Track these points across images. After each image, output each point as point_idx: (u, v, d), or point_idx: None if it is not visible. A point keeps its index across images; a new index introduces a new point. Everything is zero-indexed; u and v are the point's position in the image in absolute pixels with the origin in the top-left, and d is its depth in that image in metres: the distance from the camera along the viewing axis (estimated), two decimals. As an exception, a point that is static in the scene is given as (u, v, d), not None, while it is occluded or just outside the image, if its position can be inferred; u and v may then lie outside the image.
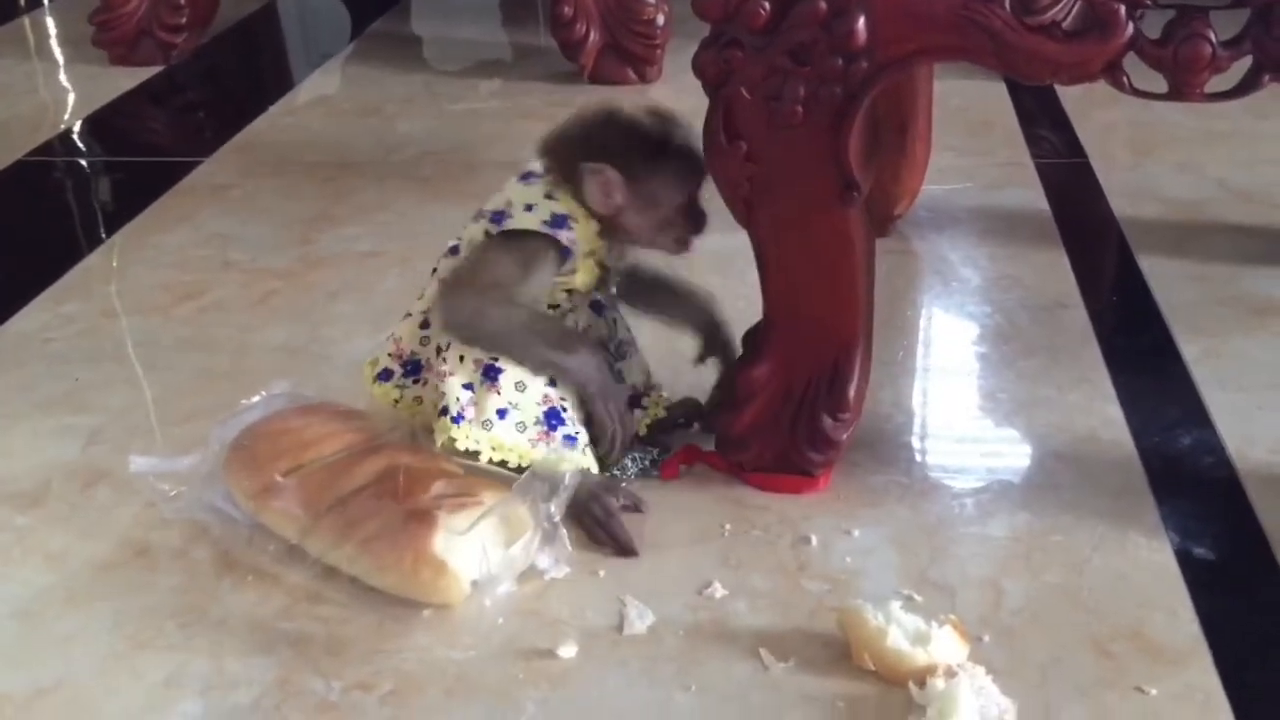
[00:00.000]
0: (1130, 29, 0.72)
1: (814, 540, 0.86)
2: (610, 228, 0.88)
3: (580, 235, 0.87)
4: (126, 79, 1.89)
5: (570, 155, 0.87)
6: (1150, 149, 1.51)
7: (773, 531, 0.87)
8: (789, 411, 0.89)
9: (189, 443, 0.93)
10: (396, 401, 0.92)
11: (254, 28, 2.21)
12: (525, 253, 0.86)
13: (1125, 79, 0.73)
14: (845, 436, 0.89)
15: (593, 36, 1.77)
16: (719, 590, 0.81)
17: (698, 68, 0.80)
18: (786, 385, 0.88)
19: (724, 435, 0.91)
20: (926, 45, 0.76)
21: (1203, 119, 1.56)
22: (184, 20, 1.93)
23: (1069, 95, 1.65)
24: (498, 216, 0.87)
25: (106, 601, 0.82)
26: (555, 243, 0.86)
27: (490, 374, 0.86)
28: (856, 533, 0.86)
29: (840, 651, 0.76)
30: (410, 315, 0.93)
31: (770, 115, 0.79)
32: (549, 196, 0.87)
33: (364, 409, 0.94)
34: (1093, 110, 1.61)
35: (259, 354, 1.12)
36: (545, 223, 0.86)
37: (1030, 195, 1.40)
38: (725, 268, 1.03)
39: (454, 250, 0.91)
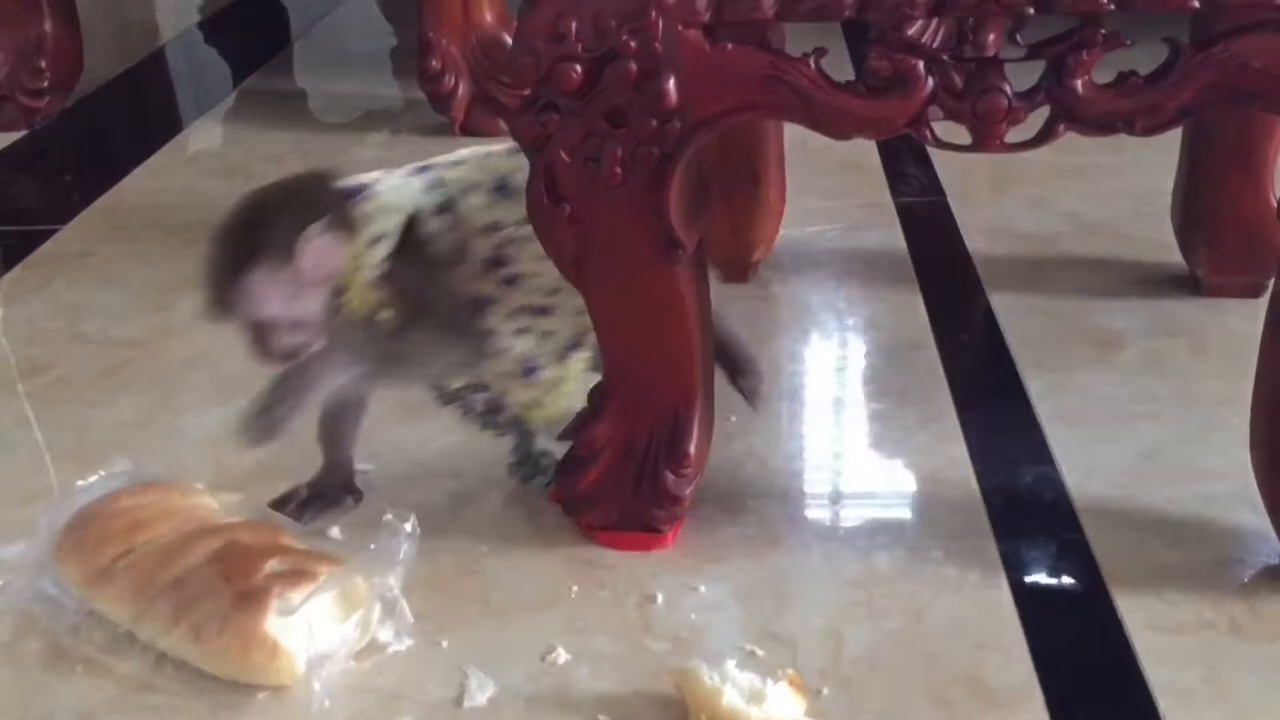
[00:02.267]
0: (930, 84, 0.74)
1: (659, 598, 0.85)
2: None
3: None
4: (-12, 145, 1.85)
5: None
6: (1006, 185, 1.55)
7: (619, 591, 0.86)
8: (632, 468, 0.88)
9: (25, 528, 0.90)
10: None
11: (125, 87, 2.17)
12: None
13: (928, 132, 0.75)
14: (688, 491, 0.89)
15: (461, 89, 1.77)
16: (562, 655, 0.81)
17: (515, 132, 0.80)
18: (628, 442, 0.88)
19: (569, 495, 0.91)
20: (737, 104, 0.77)
21: (1059, 154, 1.56)
22: (45, 84, 1.89)
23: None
24: None
25: (-74, 701, 0.79)
26: None
27: None
28: (703, 588, 0.86)
29: (679, 714, 0.75)
30: None
31: (590, 177, 0.79)
32: None
33: (203, 487, 0.92)
34: (953, 148, 1.65)
35: (105, 429, 1.09)
36: None
37: (890, 235, 1.42)
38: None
39: None
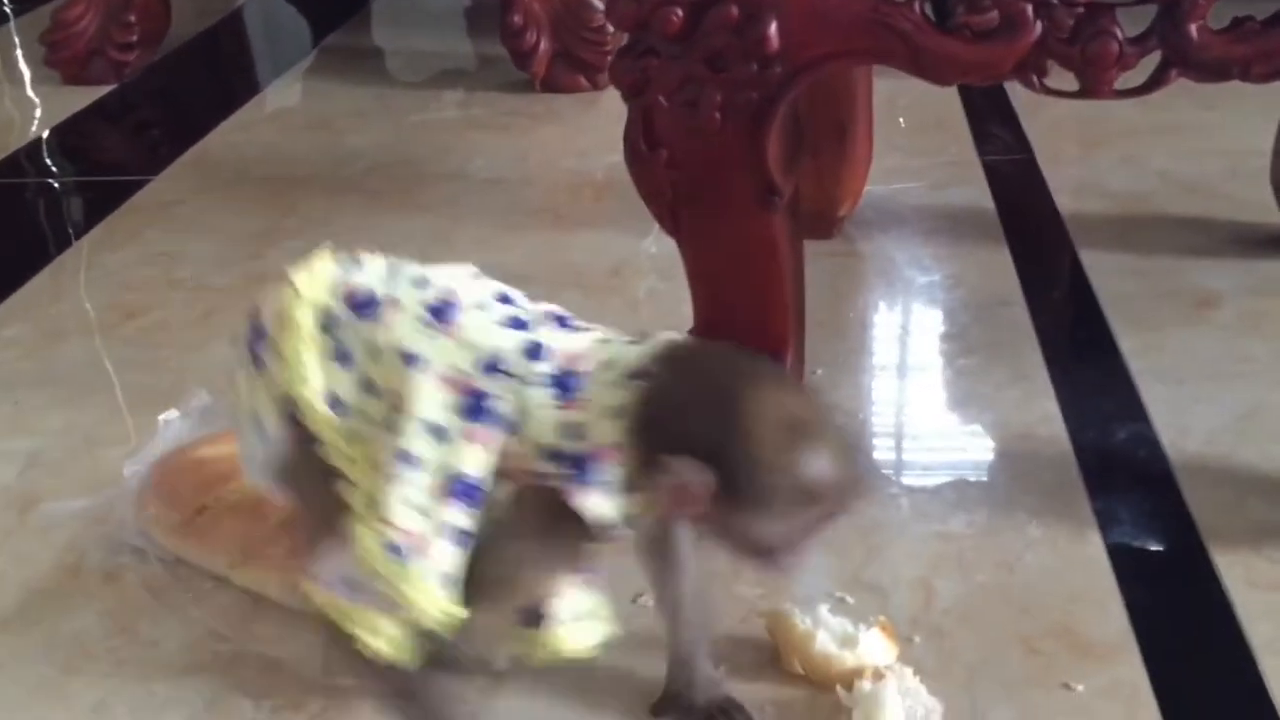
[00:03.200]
0: (1039, 28, 0.72)
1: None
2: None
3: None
4: (80, 98, 1.88)
5: (655, 432, 0.59)
6: (1096, 143, 1.52)
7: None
8: (722, 417, 0.89)
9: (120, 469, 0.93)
10: None
11: (208, 43, 2.20)
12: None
13: (1034, 78, 0.74)
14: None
15: (543, 45, 1.77)
16: (651, 599, 0.81)
17: (614, 76, 0.80)
18: (719, 391, 0.88)
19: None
20: (839, 49, 0.76)
21: (1149, 112, 1.56)
22: (135, 38, 1.92)
23: (1018, 92, 1.65)
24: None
25: (38, 627, 0.82)
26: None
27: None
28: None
29: (769, 656, 0.76)
30: None
31: (689, 122, 0.79)
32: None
33: None
34: (1041, 106, 1.61)
35: (200, 372, 1.11)
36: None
37: (977, 193, 1.40)
38: (668, 271, 1.03)
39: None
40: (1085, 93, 0.74)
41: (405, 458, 0.61)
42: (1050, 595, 0.80)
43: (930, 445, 0.99)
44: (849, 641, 0.73)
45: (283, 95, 1.93)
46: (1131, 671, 0.74)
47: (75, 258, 1.36)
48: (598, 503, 0.59)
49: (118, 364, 1.14)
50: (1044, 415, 0.98)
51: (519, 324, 0.63)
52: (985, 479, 0.93)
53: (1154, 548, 0.85)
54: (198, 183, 1.55)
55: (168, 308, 1.23)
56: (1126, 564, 0.82)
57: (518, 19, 1.75)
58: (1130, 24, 0.73)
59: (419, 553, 0.61)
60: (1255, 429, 0.95)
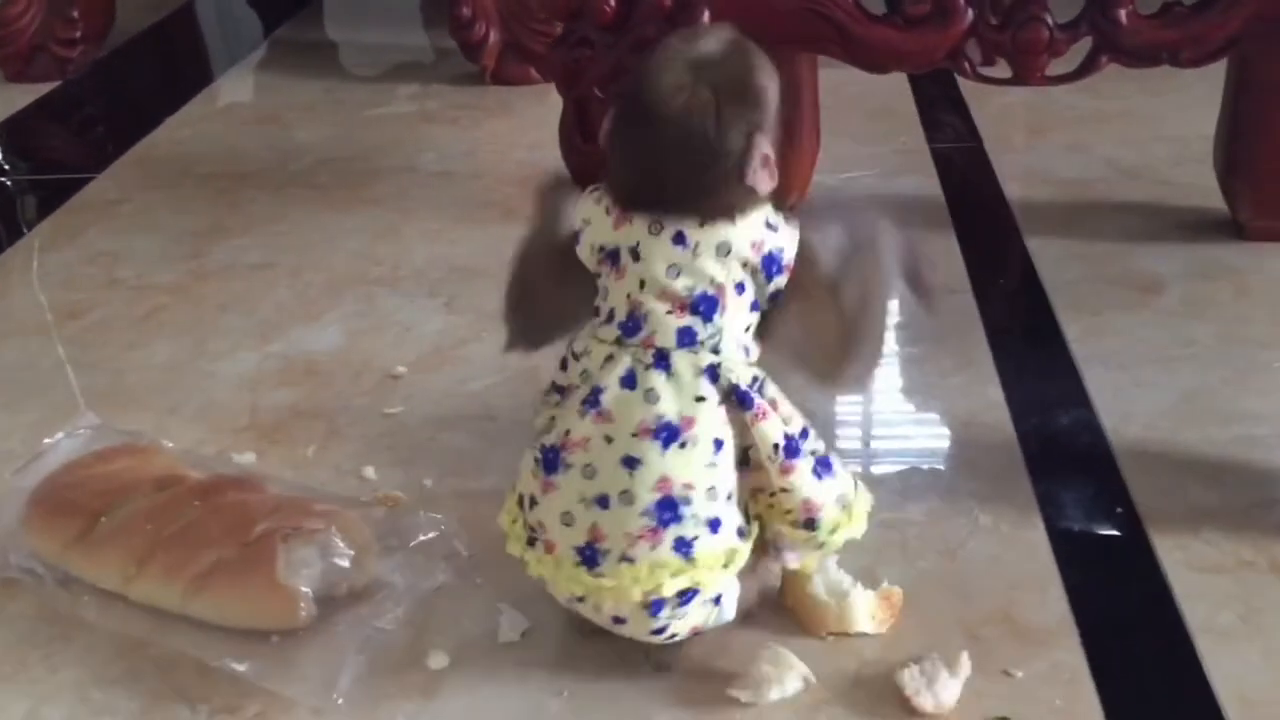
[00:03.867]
0: (970, 15, 0.72)
1: (693, 537, 0.85)
2: None
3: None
4: (23, 95, 1.86)
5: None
6: (1043, 131, 1.53)
7: (652, 530, 0.86)
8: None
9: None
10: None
11: (156, 38, 2.18)
12: None
13: (967, 65, 0.74)
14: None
15: (493, 37, 1.76)
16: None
17: (549, 68, 0.79)
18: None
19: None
20: (773, 37, 0.75)
21: (1097, 99, 1.58)
22: (79, 34, 1.90)
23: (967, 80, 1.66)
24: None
25: (-33, 634, 0.80)
26: None
27: None
28: (736, 527, 0.86)
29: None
30: None
31: (623, 113, 0.78)
32: None
33: (173, 445, 0.93)
34: (991, 94, 1.61)
35: (140, 373, 1.10)
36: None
37: (926, 181, 1.41)
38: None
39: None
40: (1017, 79, 0.74)
41: None
42: (992, 581, 0.80)
43: (877, 433, 0.99)
44: (836, 594, 0.74)
45: (231, 90, 1.90)
46: (1071, 656, 0.74)
47: (15, 258, 1.34)
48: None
49: (58, 364, 1.12)
50: (989, 402, 0.99)
51: None
52: (931, 466, 0.93)
53: (1095, 532, 0.85)
54: (142, 180, 1.53)
55: (109, 306, 1.22)
56: (1067, 549, 0.83)
57: (466, 11, 1.74)
58: (1061, 11, 0.74)
59: None
60: (1196, 413, 0.96)
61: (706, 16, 0.74)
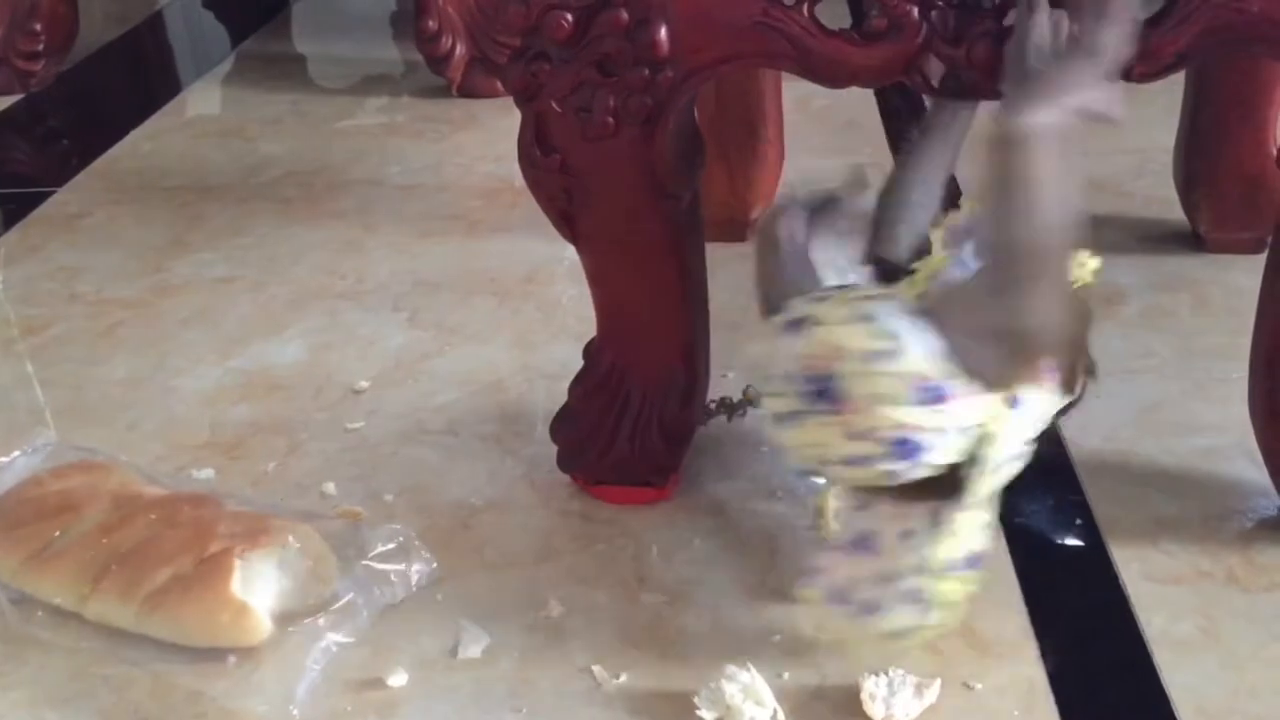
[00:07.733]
0: (924, 29, 0.73)
1: (654, 551, 0.85)
2: None
3: None
4: (-16, 109, 1.84)
5: None
6: (1007, 143, 1.53)
7: (614, 545, 0.86)
8: (628, 422, 0.88)
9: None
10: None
11: (121, 51, 2.16)
12: None
13: (924, 79, 0.74)
14: (684, 446, 0.89)
15: (459, 49, 1.76)
16: (556, 609, 0.81)
17: (507, 81, 0.79)
18: (623, 397, 0.88)
19: (562, 449, 0.91)
20: (730, 52, 0.76)
21: (1060, 111, 1.58)
22: (41, 47, 1.88)
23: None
24: None
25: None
26: None
27: None
28: (697, 542, 0.86)
29: (673, 677, 0.75)
30: None
31: (582, 127, 0.78)
32: None
33: (128, 460, 0.92)
34: (955, 107, 1.63)
35: (101, 388, 1.09)
36: None
37: (890, 194, 1.41)
38: (583, 276, 1.02)
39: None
40: (973, 93, 0.74)
41: None
42: (952, 594, 0.80)
43: (839, 446, 0.99)
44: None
45: (196, 103, 1.89)
46: (1029, 668, 0.74)
47: (-26, 273, 1.33)
48: None
49: (18, 379, 1.11)
50: (950, 414, 0.99)
51: None
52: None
53: (1053, 543, 0.85)
54: (104, 194, 1.52)
55: (69, 322, 1.20)
56: (1026, 560, 0.83)
57: (432, 24, 1.73)
58: (1015, 25, 0.74)
59: None
60: (1155, 423, 0.97)
61: (663, 32, 0.74)
